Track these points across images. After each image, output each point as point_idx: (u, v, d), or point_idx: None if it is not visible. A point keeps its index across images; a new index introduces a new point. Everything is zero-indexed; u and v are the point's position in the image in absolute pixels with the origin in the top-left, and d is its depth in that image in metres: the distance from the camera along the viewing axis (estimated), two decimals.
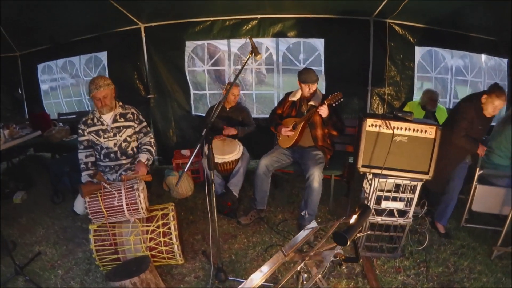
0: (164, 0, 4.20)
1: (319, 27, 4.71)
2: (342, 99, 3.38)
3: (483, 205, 3.41)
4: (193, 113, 5.36)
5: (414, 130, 2.81)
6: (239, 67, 5.31)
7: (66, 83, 6.94)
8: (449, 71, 5.15)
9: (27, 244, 3.63)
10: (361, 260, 1.84)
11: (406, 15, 4.29)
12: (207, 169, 3.85)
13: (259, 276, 1.73)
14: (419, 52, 4.88)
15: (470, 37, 4.53)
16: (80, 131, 3.21)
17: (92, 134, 3.19)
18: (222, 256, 3.04)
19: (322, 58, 4.89)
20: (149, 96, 5.18)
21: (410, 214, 2.97)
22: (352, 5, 4.25)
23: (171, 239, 2.95)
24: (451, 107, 5.15)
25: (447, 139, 3.09)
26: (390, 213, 3.00)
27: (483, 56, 4.97)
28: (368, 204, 2.95)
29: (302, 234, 1.93)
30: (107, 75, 5.31)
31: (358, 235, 1.74)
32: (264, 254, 3.31)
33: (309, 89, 3.64)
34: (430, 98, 4.29)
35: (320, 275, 1.79)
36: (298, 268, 1.83)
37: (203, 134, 2.42)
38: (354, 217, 1.72)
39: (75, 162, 3.40)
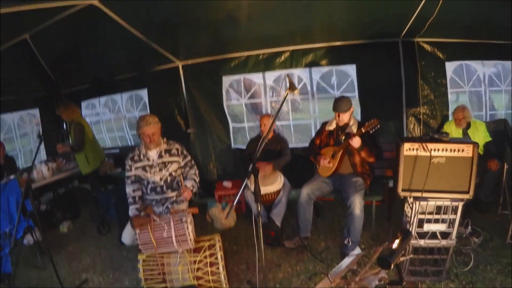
0: (199, 40, 4.45)
1: (350, 53, 4.80)
2: (378, 126, 3.41)
3: None
4: (232, 145, 5.46)
5: (451, 150, 2.78)
6: (275, 98, 5.44)
7: (109, 119, 7.31)
8: (482, 83, 5.01)
9: (74, 271, 3.81)
10: (404, 283, 1.85)
11: (433, 32, 4.29)
12: (251, 201, 3.95)
13: None
14: (450, 67, 4.83)
15: (499, 44, 4.45)
16: (127, 166, 3.40)
17: (139, 169, 3.37)
18: (267, 285, 3.06)
19: (355, 83, 4.93)
20: (188, 131, 5.34)
21: (453, 235, 2.91)
22: (380, 26, 4.30)
23: (217, 268, 3.04)
24: (488, 119, 4.99)
25: None
26: (433, 235, 2.95)
27: None
28: (410, 228, 2.93)
29: (347, 261, 1.97)
30: (148, 112, 5.60)
31: (401, 258, 1.77)
32: (308, 282, 3.30)
33: (339, 117, 3.71)
34: (456, 117, 4.26)
35: None
36: None
37: (249, 169, 2.49)
38: (397, 241, 1.77)
39: (121, 195, 3.57)
